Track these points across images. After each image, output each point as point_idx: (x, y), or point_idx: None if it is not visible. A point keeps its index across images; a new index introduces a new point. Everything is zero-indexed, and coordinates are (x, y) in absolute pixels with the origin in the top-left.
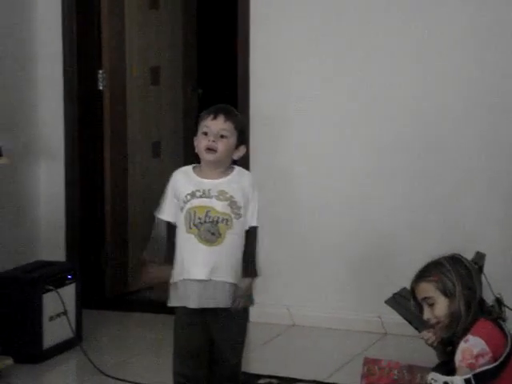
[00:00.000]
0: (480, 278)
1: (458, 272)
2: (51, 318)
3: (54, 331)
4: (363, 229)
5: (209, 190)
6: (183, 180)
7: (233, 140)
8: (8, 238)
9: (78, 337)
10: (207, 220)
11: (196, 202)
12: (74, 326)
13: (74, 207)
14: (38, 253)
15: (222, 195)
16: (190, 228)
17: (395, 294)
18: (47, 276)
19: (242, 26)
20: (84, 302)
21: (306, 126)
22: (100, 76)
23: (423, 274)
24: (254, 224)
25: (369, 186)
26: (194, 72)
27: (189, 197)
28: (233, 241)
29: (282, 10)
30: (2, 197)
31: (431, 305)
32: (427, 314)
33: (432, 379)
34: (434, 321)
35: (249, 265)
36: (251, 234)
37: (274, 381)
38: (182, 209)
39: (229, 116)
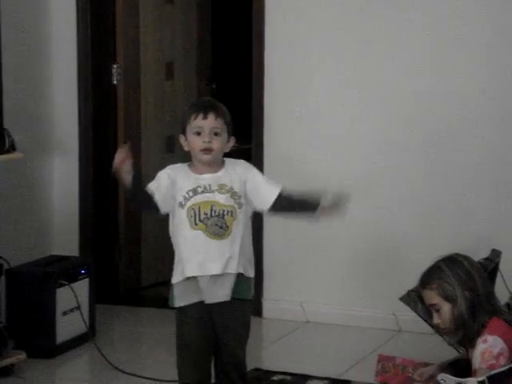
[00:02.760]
0: (483, 276)
1: (457, 274)
2: (65, 313)
3: (68, 326)
4: (378, 225)
5: (209, 184)
6: (182, 174)
7: (225, 135)
8: (22, 232)
9: (91, 332)
10: (213, 214)
11: (199, 198)
12: (87, 320)
13: (88, 202)
14: (52, 247)
15: (222, 188)
16: (196, 224)
17: (410, 291)
18: (61, 271)
19: (256, 21)
20: (97, 296)
21: (320, 121)
22: (114, 71)
23: (424, 282)
24: (278, 191)
25: (384, 181)
26: (208, 67)
27: (191, 193)
28: (238, 231)
29: (298, 4)
30: (17, 191)
31: (438, 311)
32: (436, 319)
33: (442, 380)
34: (442, 326)
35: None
36: (285, 197)
37: (287, 377)
38: (182, 205)
39: (219, 112)
